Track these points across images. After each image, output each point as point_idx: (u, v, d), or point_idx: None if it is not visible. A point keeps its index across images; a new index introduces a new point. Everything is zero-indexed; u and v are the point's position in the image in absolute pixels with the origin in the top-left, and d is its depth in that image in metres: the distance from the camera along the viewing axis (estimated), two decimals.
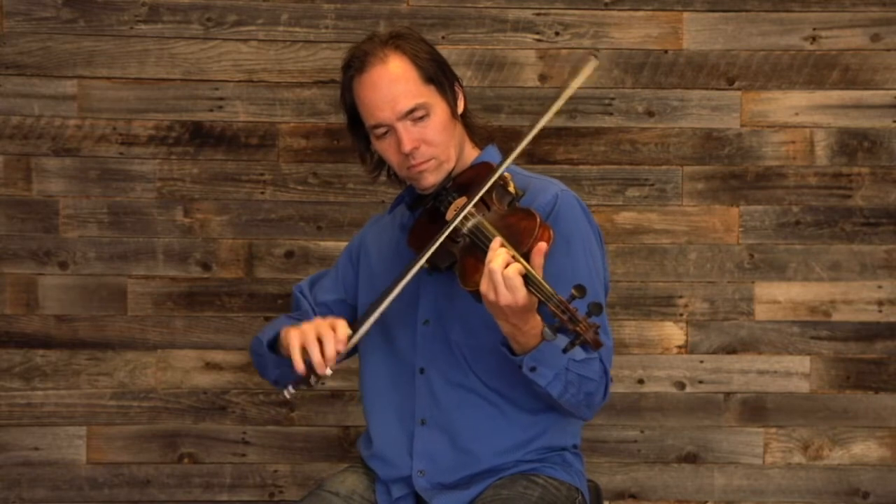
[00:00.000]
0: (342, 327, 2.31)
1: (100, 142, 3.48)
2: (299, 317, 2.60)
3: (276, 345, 2.49)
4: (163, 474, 3.51)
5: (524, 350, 2.25)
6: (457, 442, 2.44)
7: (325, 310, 2.59)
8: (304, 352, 2.30)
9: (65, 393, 3.49)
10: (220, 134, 3.50)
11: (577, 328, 2.08)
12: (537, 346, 2.23)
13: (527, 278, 2.13)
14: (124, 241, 3.49)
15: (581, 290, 2.09)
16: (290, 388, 2.38)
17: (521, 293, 2.13)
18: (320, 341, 2.29)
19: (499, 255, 2.16)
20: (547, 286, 2.12)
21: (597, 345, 2.09)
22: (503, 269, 2.14)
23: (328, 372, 2.29)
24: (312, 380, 2.32)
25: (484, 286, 2.17)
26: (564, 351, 2.13)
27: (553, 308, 2.10)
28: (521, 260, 2.15)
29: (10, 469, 3.48)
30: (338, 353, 2.29)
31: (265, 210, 3.51)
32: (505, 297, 2.15)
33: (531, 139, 2.35)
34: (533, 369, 2.25)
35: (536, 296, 2.13)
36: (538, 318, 2.22)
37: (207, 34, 3.49)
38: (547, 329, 2.10)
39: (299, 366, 2.30)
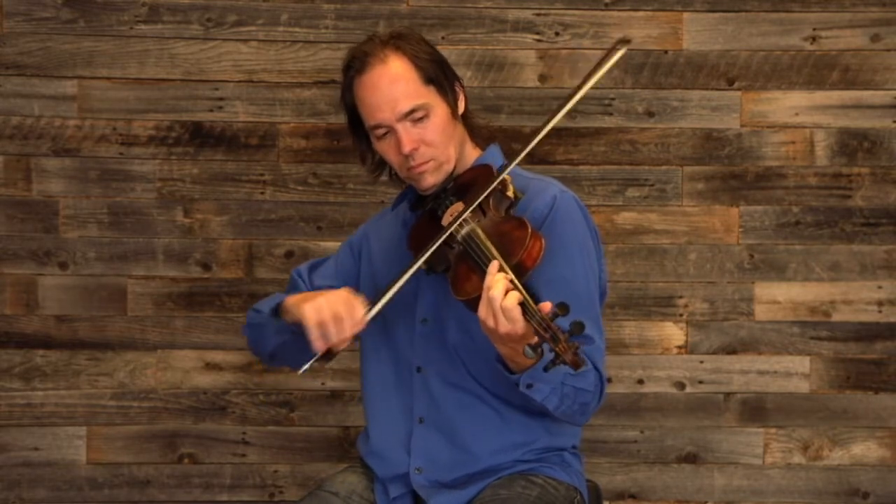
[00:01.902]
0: (359, 307, 2.30)
1: (100, 142, 3.48)
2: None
3: (279, 312, 2.47)
4: (163, 474, 3.51)
5: (521, 368, 2.25)
6: (455, 441, 2.43)
7: None
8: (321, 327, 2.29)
9: (65, 393, 3.49)
10: (220, 134, 3.50)
11: (557, 348, 2.08)
12: (534, 363, 2.23)
13: (523, 306, 2.13)
14: (124, 241, 3.49)
15: (564, 308, 2.08)
16: (305, 367, 2.37)
17: (520, 324, 2.13)
18: (338, 321, 2.28)
19: (498, 282, 2.14)
20: (535, 308, 2.11)
21: (576, 365, 2.08)
22: (503, 299, 2.13)
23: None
24: (328, 357, 2.32)
25: (483, 312, 2.17)
26: (545, 370, 2.13)
27: (535, 326, 2.10)
28: (518, 285, 2.14)
29: (10, 469, 3.48)
30: (354, 335, 2.30)
31: (265, 210, 3.51)
32: (504, 327, 2.15)
33: (538, 140, 2.35)
34: (529, 386, 2.25)
35: (529, 322, 2.13)
36: (535, 339, 2.21)
37: (207, 34, 3.49)
38: (527, 348, 2.09)
39: (318, 344, 2.29)
